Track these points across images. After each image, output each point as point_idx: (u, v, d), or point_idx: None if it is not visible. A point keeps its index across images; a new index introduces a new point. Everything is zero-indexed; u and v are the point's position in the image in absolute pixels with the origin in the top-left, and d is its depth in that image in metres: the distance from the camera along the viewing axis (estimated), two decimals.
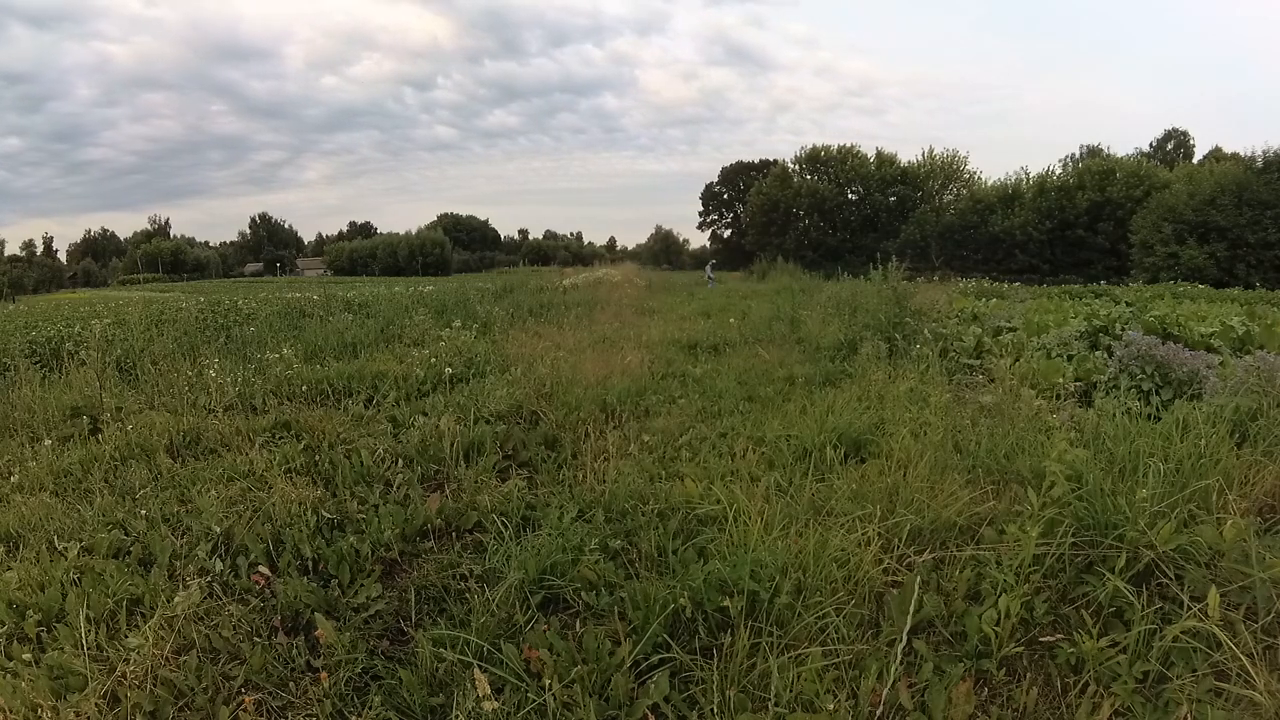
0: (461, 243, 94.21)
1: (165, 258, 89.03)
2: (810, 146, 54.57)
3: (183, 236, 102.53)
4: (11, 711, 2.12)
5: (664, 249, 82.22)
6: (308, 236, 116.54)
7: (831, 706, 2.02)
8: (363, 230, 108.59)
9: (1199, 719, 1.96)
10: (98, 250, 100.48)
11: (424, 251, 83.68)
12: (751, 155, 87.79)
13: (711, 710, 2.05)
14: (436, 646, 2.38)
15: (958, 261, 39.59)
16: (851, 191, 52.73)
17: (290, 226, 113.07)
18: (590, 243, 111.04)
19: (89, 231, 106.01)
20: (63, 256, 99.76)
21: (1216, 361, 5.55)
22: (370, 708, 2.17)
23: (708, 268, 36.77)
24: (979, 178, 49.34)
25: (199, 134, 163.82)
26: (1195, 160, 47.60)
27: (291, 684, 2.34)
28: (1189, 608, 2.20)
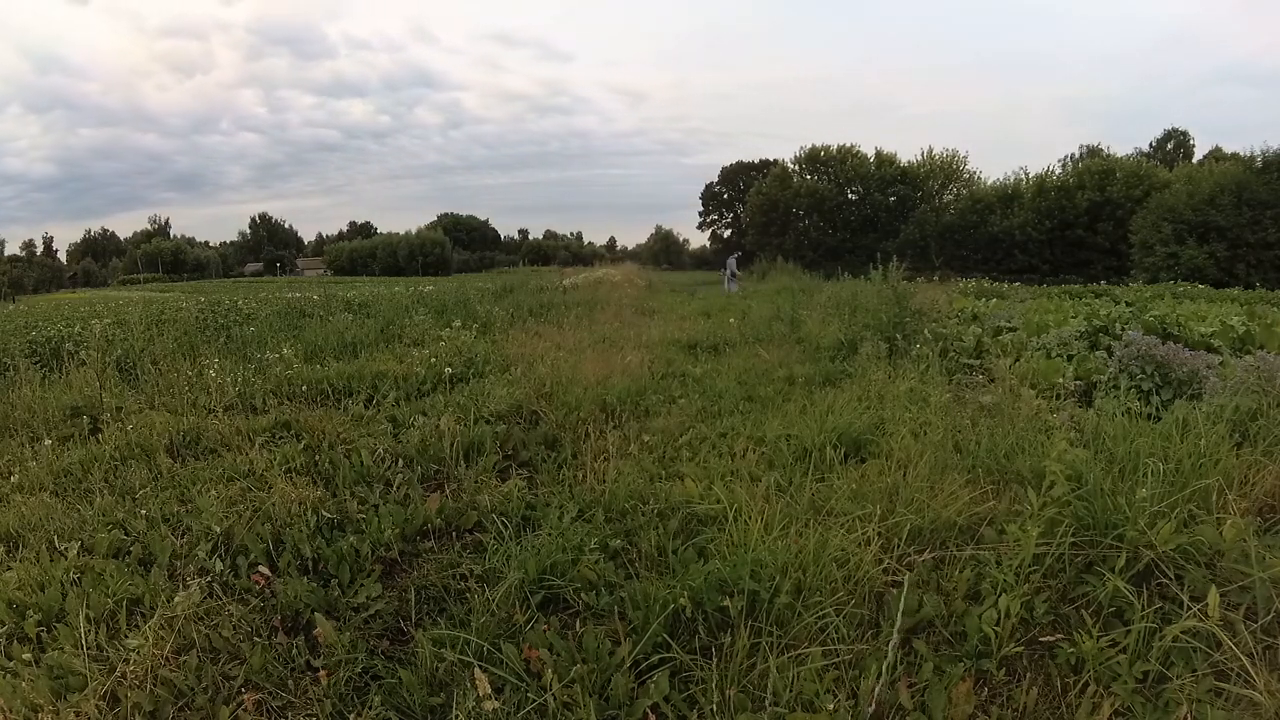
0: (461, 243, 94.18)
1: (165, 258, 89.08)
2: (810, 146, 54.62)
3: (183, 236, 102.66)
4: (11, 711, 2.12)
5: (664, 249, 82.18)
6: (308, 236, 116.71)
7: (831, 706, 2.02)
8: (363, 230, 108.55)
9: (1199, 719, 1.96)
10: (98, 250, 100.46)
11: (424, 251, 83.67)
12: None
13: (711, 710, 2.05)
14: (436, 646, 2.38)
15: (958, 261, 39.59)
16: (851, 191, 52.72)
17: (290, 226, 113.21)
18: (590, 243, 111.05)
19: (89, 231, 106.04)
20: (63, 256, 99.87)
21: (1216, 361, 5.55)
22: (370, 707, 2.17)
23: (731, 262, 27.33)
24: (979, 177, 49.42)
25: None
26: (1195, 160, 47.59)
27: (291, 684, 2.34)
28: (1189, 608, 2.20)
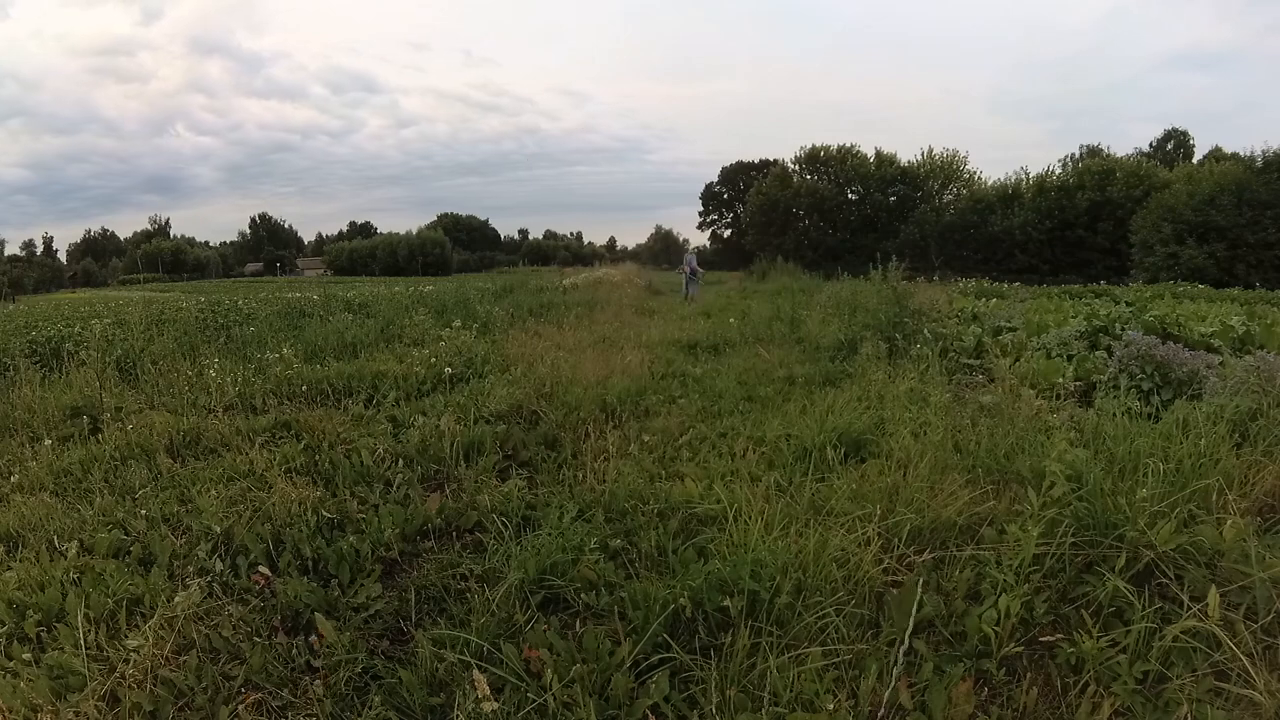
0: (461, 243, 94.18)
1: (165, 258, 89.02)
2: (810, 146, 54.61)
3: (183, 236, 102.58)
4: (11, 711, 2.12)
5: (664, 249, 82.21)
6: (308, 236, 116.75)
7: (831, 706, 2.02)
8: (363, 230, 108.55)
9: (1199, 719, 1.96)
10: (97, 250, 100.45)
11: (424, 251, 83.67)
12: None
13: (711, 710, 2.05)
14: (436, 646, 2.38)
15: (957, 261, 39.58)
16: (851, 191, 52.69)
17: (290, 226, 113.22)
18: (590, 243, 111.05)
19: (89, 231, 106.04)
20: (63, 256, 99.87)
21: (1216, 361, 5.54)
22: (370, 708, 2.17)
23: (690, 259, 20.84)
24: (979, 177, 49.41)
25: None
26: (1195, 160, 47.57)
27: (291, 684, 2.34)
28: (1189, 608, 2.20)
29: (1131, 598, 2.29)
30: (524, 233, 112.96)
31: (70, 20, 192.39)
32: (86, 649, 2.35)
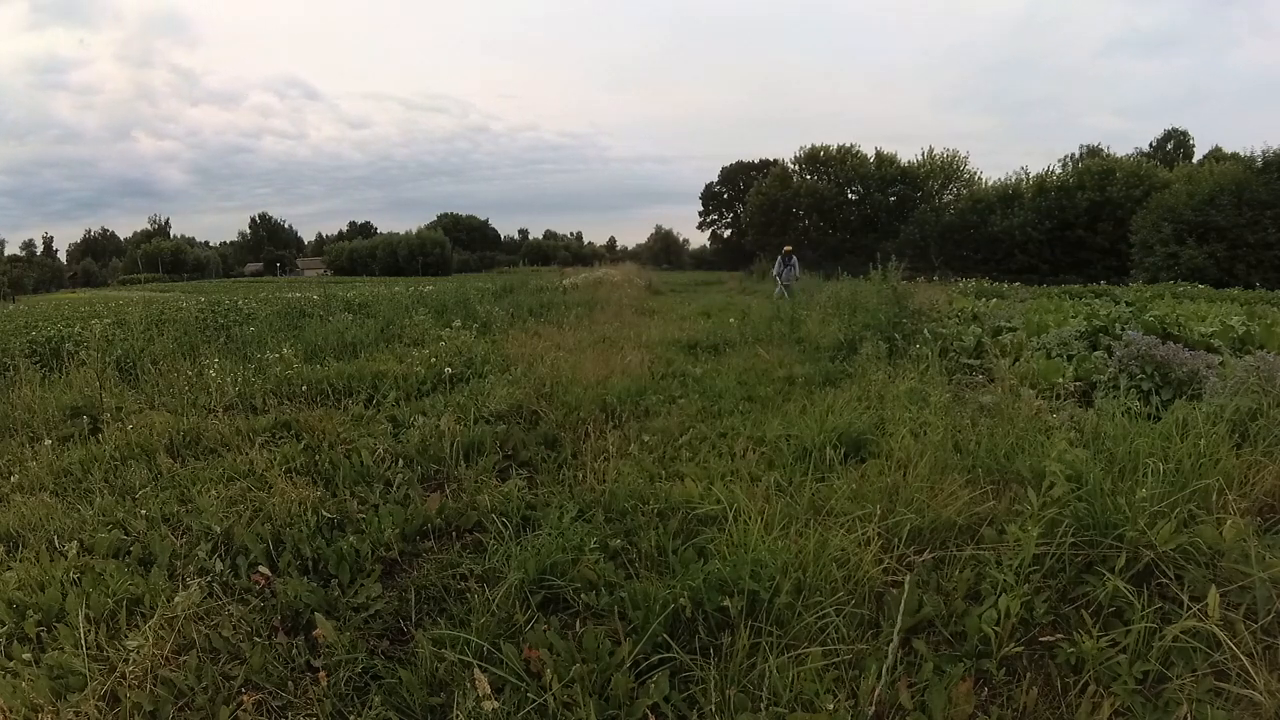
0: (461, 243, 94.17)
1: (165, 258, 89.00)
2: (810, 146, 54.62)
3: (183, 236, 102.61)
4: (11, 711, 2.12)
5: (664, 249, 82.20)
6: (308, 236, 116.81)
7: (831, 706, 2.02)
8: (363, 230, 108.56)
9: (1199, 719, 1.96)
10: (97, 250, 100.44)
11: (424, 251, 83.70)
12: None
13: (711, 710, 2.05)
14: (436, 646, 2.38)
15: (957, 261, 39.56)
16: (851, 191, 52.72)
17: (290, 226, 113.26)
18: (590, 243, 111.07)
19: (89, 231, 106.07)
20: (63, 256, 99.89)
21: (1216, 361, 5.54)
22: (370, 707, 2.17)
23: (783, 264, 18.47)
24: (979, 177, 49.42)
25: None
26: (1195, 160, 47.57)
27: (291, 684, 2.34)
28: (1189, 608, 2.20)
29: (1131, 598, 2.29)
30: (524, 233, 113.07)
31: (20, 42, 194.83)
32: (86, 649, 2.35)
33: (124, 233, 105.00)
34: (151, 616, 2.53)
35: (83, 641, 2.37)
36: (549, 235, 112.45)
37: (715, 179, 73.65)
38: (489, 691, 2.02)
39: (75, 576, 2.90)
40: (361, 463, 4.20)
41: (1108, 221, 37.77)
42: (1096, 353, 6.95)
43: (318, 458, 4.35)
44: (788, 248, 19.88)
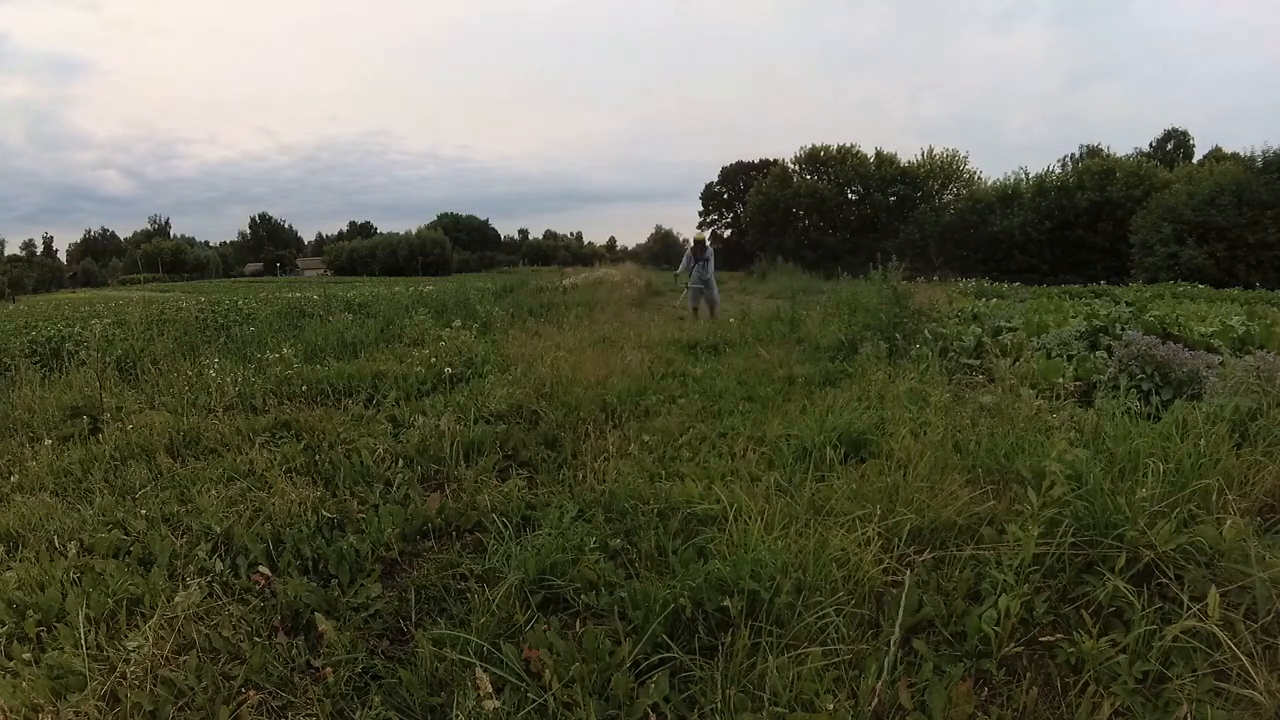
0: (461, 243, 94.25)
1: (165, 258, 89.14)
2: (810, 146, 54.62)
3: (183, 236, 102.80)
4: (11, 711, 2.12)
5: (664, 249, 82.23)
6: (308, 236, 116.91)
7: (831, 706, 2.02)
8: (363, 230, 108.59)
9: (1199, 719, 1.96)
10: (97, 250, 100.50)
11: (424, 251, 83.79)
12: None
13: (711, 710, 2.05)
14: (437, 646, 2.38)
15: (957, 261, 39.49)
16: (851, 191, 52.74)
17: (290, 226, 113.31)
18: (590, 243, 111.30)
19: (89, 231, 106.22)
20: (63, 256, 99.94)
21: (1216, 361, 5.53)
22: (370, 707, 2.17)
23: (690, 261, 13.96)
24: (979, 178, 49.44)
25: None
26: (1195, 160, 47.57)
27: (292, 683, 2.34)
28: (1189, 608, 2.20)
29: (1131, 598, 2.29)
30: (524, 233, 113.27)
31: None
32: (86, 649, 2.35)
33: (124, 233, 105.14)
34: (151, 616, 2.53)
35: (83, 641, 2.37)
36: (549, 235, 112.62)
37: (715, 179, 73.72)
38: (489, 691, 2.02)
39: (75, 576, 2.90)
40: (361, 463, 4.20)
41: (1108, 221, 37.76)
42: (1096, 353, 6.95)
43: (318, 458, 4.35)
44: (700, 235, 15.08)
